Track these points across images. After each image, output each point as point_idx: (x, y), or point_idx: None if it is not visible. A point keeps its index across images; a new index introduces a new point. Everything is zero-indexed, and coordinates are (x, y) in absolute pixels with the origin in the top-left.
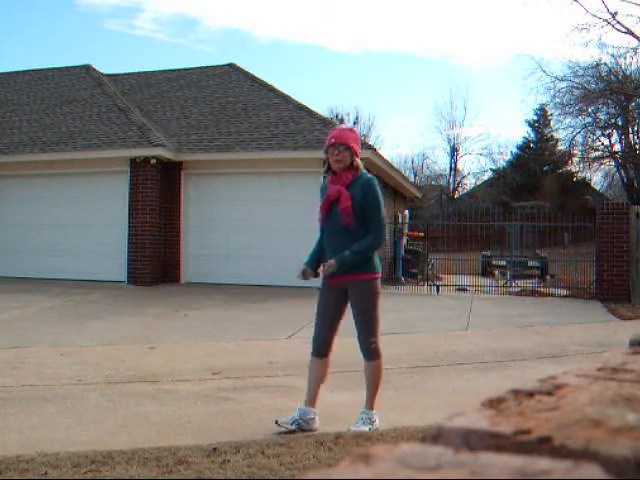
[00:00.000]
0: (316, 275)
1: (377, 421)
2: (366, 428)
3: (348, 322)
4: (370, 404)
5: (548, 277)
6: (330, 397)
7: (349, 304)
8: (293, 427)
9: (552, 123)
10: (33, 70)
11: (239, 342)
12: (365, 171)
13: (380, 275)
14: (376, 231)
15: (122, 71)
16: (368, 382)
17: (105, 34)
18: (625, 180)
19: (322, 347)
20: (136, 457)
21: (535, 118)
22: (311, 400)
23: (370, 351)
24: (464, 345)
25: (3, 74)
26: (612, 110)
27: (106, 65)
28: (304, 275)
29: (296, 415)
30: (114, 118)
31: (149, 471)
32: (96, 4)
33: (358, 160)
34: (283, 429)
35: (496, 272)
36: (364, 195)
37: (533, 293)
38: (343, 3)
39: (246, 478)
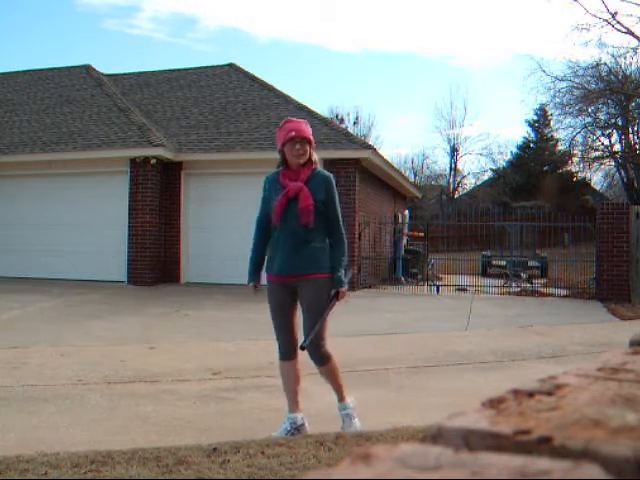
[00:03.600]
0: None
1: (352, 404)
2: (356, 422)
3: (339, 322)
4: (341, 396)
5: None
6: (330, 397)
7: (300, 306)
8: None
9: (552, 123)
10: (33, 70)
11: (239, 342)
12: (320, 167)
13: (330, 275)
14: (341, 231)
15: (121, 71)
16: (330, 383)
17: (104, 33)
18: (625, 180)
19: (289, 349)
20: (136, 457)
21: (535, 118)
22: (294, 405)
23: (320, 355)
24: (464, 345)
25: (3, 74)
26: (612, 110)
27: (105, 65)
28: (255, 289)
29: (287, 426)
30: (114, 118)
31: (149, 471)
32: (94, 3)
33: (315, 155)
34: None
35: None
36: (326, 193)
37: (533, 293)
38: (343, 3)
39: (246, 478)
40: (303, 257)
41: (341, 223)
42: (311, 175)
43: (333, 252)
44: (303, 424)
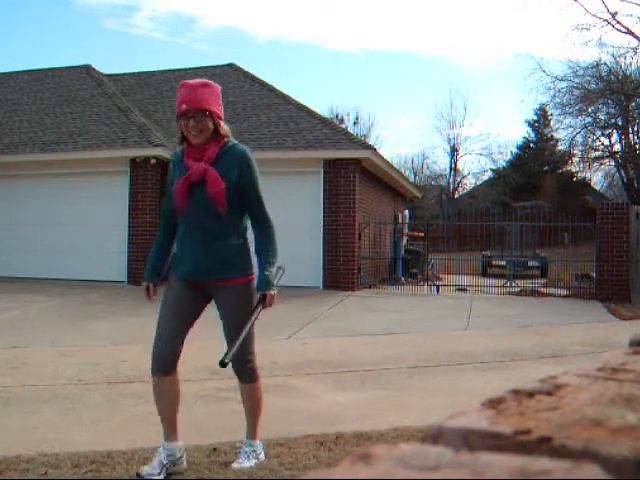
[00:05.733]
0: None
1: (262, 453)
2: (251, 463)
3: (339, 322)
4: (253, 434)
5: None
6: (330, 397)
7: (219, 315)
8: (161, 477)
9: (552, 123)
10: (33, 70)
11: None
12: (234, 140)
13: (254, 275)
14: (267, 219)
15: (120, 70)
16: (248, 408)
17: (102, 33)
18: (625, 180)
19: (169, 361)
20: (136, 457)
21: (535, 118)
22: (171, 432)
23: (247, 370)
24: (464, 345)
25: (3, 74)
26: (612, 110)
27: (104, 64)
28: (149, 293)
29: (162, 458)
30: (114, 118)
31: None
32: (92, 3)
33: (224, 125)
34: None
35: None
36: (240, 173)
37: (533, 293)
38: (343, 2)
39: (246, 478)
40: (217, 257)
41: (266, 209)
42: (221, 152)
43: (259, 247)
44: (182, 457)
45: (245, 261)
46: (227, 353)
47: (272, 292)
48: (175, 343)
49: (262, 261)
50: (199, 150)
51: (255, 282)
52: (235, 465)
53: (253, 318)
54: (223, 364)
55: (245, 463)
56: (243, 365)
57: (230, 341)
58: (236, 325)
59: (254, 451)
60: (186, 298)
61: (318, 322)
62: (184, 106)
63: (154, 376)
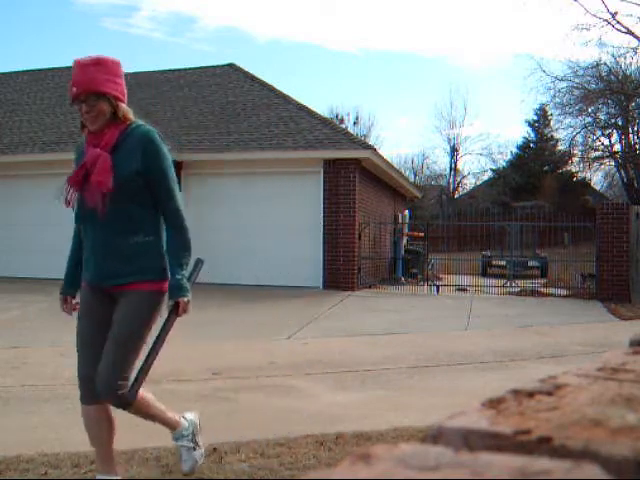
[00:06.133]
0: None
1: (187, 430)
2: (196, 454)
3: (339, 322)
4: (170, 425)
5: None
6: (330, 397)
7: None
8: None
9: (552, 123)
10: (33, 70)
11: (239, 342)
12: (139, 121)
13: (166, 283)
14: (179, 214)
15: None
16: (145, 416)
17: (102, 33)
18: (625, 180)
19: (91, 386)
20: (136, 457)
21: (535, 118)
22: (109, 463)
23: (114, 394)
24: (464, 345)
25: (3, 74)
26: (612, 110)
27: None
28: (66, 306)
29: None
30: None
31: (149, 471)
32: (92, 3)
33: (124, 107)
34: None
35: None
36: (144, 158)
37: (533, 293)
38: (343, 2)
39: (246, 478)
40: (118, 258)
41: (179, 202)
42: (122, 136)
43: (169, 247)
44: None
45: (151, 264)
46: (132, 386)
47: (185, 299)
48: (93, 366)
49: (173, 263)
50: (97, 136)
51: (161, 295)
52: (184, 468)
53: (163, 333)
54: (127, 403)
55: (190, 461)
56: (113, 384)
57: (109, 355)
58: (114, 342)
59: (183, 445)
60: (98, 308)
61: (318, 322)
62: (74, 89)
63: (84, 405)
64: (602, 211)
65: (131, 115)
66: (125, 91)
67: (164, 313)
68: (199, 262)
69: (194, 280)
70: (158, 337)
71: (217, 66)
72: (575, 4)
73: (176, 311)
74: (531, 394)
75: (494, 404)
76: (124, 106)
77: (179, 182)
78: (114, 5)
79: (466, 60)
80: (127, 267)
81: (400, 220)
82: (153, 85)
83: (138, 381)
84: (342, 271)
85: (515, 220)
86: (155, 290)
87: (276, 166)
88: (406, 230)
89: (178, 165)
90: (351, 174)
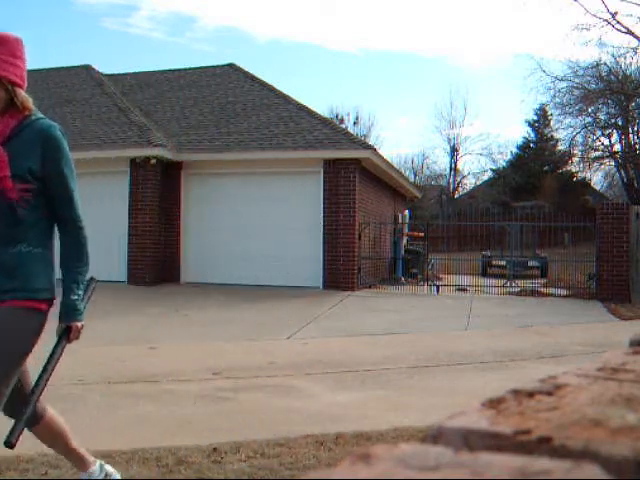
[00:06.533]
0: None
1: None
2: None
3: (339, 322)
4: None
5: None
6: (330, 397)
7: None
8: None
9: (552, 123)
10: (33, 70)
11: (239, 342)
12: (40, 114)
13: (50, 303)
14: (78, 222)
15: (120, 70)
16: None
17: (102, 33)
18: (625, 180)
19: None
20: (136, 457)
21: (535, 118)
22: (81, 462)
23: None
24: (464, 345)
25: None
26: (612, 110)
27: (104, 64)
28: None
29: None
30: (114, 118)
31: (149, 471)
32: (92, 3)
33: (23, 94)
34: None
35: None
36: (43, 157)
37: (533, 293)
38: (343, 2)
39: (246, 478)
40: (1, 270)
41: (78, 209)
42: (19, 128)
43: (63, 259)
44: (109, 473)
45: (38, 278)
46: (14, 428)
47: (79, 323)
48: (22, 387)
49: (67, 280)
50: None
51: (41, 316)
52: None
53: (53, 362)
54: (9, 444)
55: None
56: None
57: None
58: None
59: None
60: None
61: (318, 322)
62: None
63: (29, 431)
64: (602, 211)
65: (31, 104)
66: (25, 76)
67: (49, 339)
68: (92, 281)
69: (87, 302)
70: (45, 367)
71: (217, 66)
72: (575, 4)
73: (67, 337)
74: (531, 394)
75: (494, 404)
76: (23, 93)
77: (179, 182)
78: (114, 5)
79: (466, 60)
80: (6, 281)
81: (400, 220)
82: (153, 85)
83: (22, 420)
84: (342, 271)
85: (515, 220)
86: (37, 309)
87: (276, 166)
88: (406, 230)
89: (178, 165)
90: (351, 174)
